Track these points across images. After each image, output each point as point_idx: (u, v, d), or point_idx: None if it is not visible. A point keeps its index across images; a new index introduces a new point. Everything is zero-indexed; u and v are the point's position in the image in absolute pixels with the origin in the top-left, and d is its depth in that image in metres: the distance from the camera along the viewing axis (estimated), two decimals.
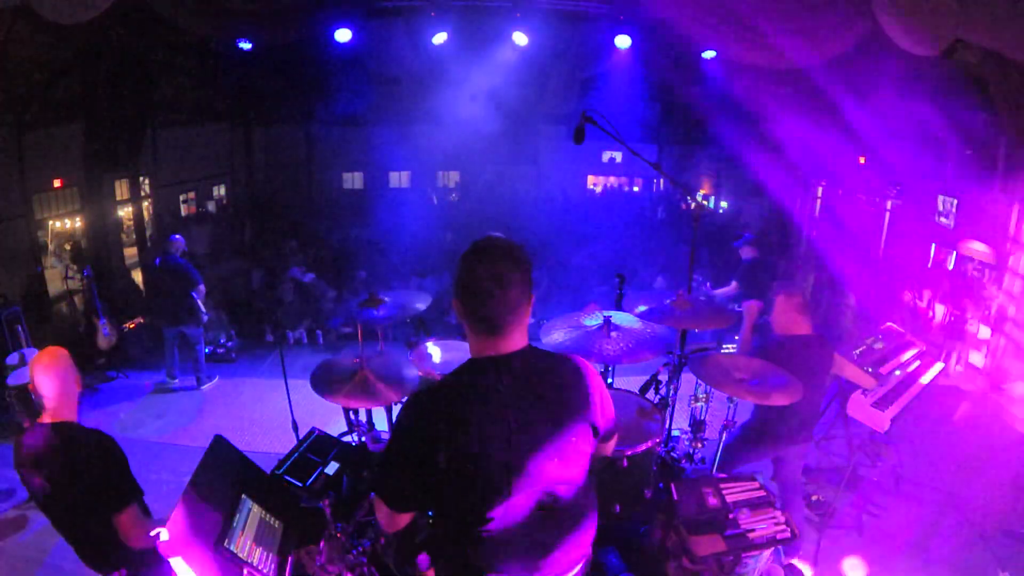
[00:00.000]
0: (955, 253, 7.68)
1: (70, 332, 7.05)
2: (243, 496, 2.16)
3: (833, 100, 6.81)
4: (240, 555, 1.94)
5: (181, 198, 10.83)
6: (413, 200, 13.24)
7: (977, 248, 6.61)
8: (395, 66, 8.51)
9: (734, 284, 6.37)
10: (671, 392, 3.33)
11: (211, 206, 11.69)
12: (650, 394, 3.30)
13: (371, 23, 7.02)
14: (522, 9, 6.83)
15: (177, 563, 1.72)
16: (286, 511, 2.31)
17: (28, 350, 5.44)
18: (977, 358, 6.66)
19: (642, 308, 3.05)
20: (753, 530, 2.33)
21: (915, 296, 7.51)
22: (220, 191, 11.98)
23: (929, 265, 7.77)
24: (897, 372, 4.12)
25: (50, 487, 2.20)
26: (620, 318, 2.89)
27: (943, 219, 8.05)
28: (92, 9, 4.58)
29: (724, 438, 3.14)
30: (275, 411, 5.09)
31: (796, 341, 3.22)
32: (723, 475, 2.89)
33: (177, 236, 6.05)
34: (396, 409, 2.90)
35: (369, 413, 3.29)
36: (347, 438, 3.14)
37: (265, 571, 1.99)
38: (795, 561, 3.29)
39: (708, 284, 6.84)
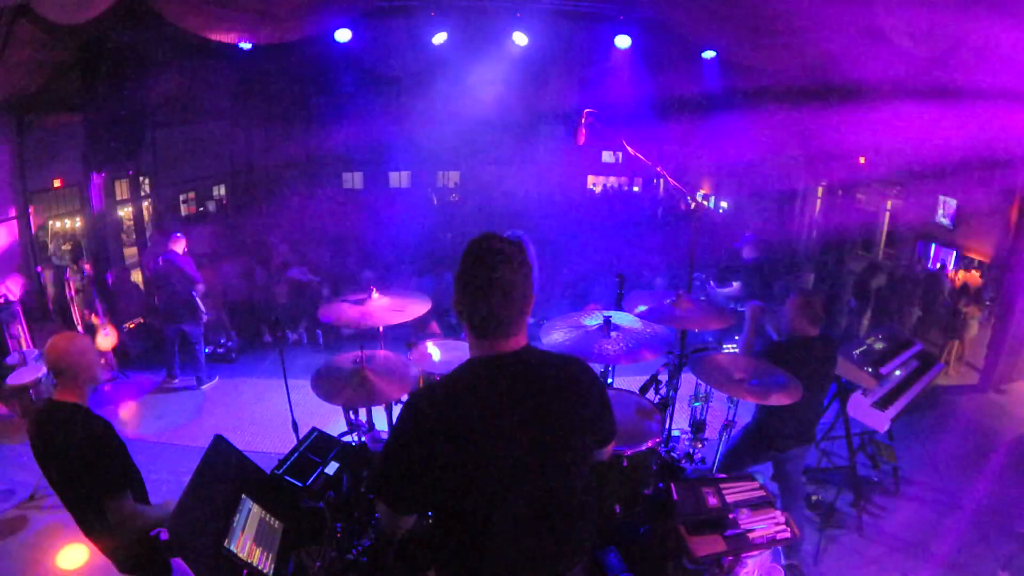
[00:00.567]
0: (955, 253, 7.69)
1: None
2: (243, 496, 2.16)
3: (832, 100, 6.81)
4: (240, 555, 1.94)
5: (181, 198, 10.83)
6: (413, 200, 13.24)
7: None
8: (395, 66, 8.50)
9: (736, 285, 6.37)
10: (671, 392, 3.33)
11: (211, 206, 11.69)
12: (650, 394, 3.30)
13: (371, 23, 7.02)
14: (522, 9, 6.84)
15: (177, 563, 1.72)
16: (286, 511, 2.31)
17: (28, 350, 5.45)
18: (977, 358, 6.66)
19: (642, 308, 3.05)
20: (753, 530, 2.33)
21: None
22: (220, 191, 11.98)
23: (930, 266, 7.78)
24: (897, 372, 4.12)
25: (46, 461, 2.27)
26: (620, 318, 2.89)
27: (943, 219, 8.06)
28: (92, 9, 4.58)
29: (725, 439, 3.14)
30: (275, 411, 5.09)
31: (804, 342, 3.28)
32: (723, 475, 2.89)
33: (178, 234, 6.05)
34: (396, 409, 2.90)
35: (369, 413, 3.29)
36: (347, 438, 3.13)
37: (265, 571, 1.99)
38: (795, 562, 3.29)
39: (711, 283, 6.85)
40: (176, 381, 6.14)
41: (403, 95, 10.23)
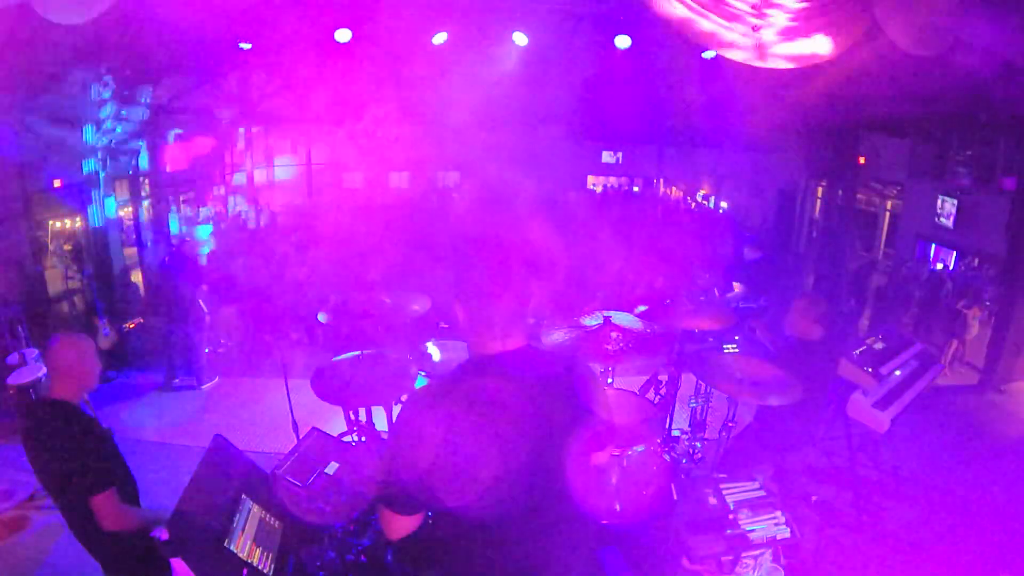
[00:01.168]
0: (955, 254, 7.69)
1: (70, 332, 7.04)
2: (243, 496, 2.16)
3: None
4: (240, 555, 1.94)
5: (181, 198, 10.83)
6: (413, 200, 13.24)
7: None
8: (395, 66, 8.49)
9: (738, 285, 6.39)
10: (671, 392, 3.33)
11: (211, 206, 11.69)
12: (650, 394, 3.30)
13: (371, 23, 7.01)
14: (522, 9, 6.83)
15: (177, 563, 1.72)
16: (286, 511, 2.31)
17: (28, 350, 5.44)
18: (977, 358, 6.66)
19: (642, 308, 3.06)
20: (753, 530, 2.33)
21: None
22: (221, 191, 11.98)
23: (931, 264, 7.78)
24: (897, 372, 4.12)
25: (34, 460, 2.27)
26: (620, 318, 2.89)
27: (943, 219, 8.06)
28: (92, 9, 4.58)
29: (725, 439, 3.14)
30: (275, 411, 5.09)
31: (808, 346, 3.30)
32: (723, 475, 2.89)
33: (188, 236, 6.14)
34: (396, 409, 2.90)
35: (369, 413, 3.29)
36: (347, 438, 3.14)
37: (265, 571, 1.99)
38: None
39: (716, 290, 6.87)
40: (177, 380, 6.15)
41: (403, 95, 10.22)
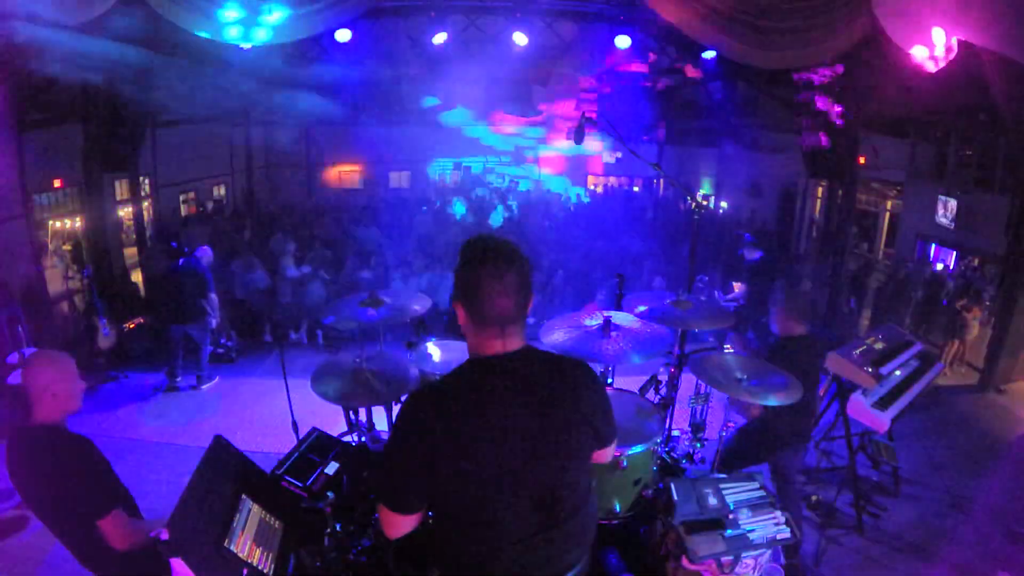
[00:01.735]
0: (955, 254, 7.69)
1: (70, 332, 7.05)
2: (243, 496, 2.16)
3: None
4: (240, 555, 1.94)
5: (181, 198, 10.84)
6: (413, 200, 13.26)
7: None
8: (395, 66, 8.51)
9: (739, 285, 6.39)
10: (671, 392, 3.33)
11: (211, 206, 11.71)
12: (650, 394, 3.30)
13: (371, 23, 7.02)
14: (522, 9, 6.84)
15: (177, 563, 1.72)
16: (286, 511, 2.31)
17: (28, 350, 5.44)
18: (977, 358, 6.66)
19: (642, 308, 3.05)
20: (753, 530, 2.33)
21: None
22: (220, 191, 11.99)
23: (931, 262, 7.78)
24: (897, 372, 4.12)
25: (28, 493, 2.18)
26: (620, 318, 2.89)
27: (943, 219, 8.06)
28: (92, 9, 4.58)
29: (723, 438, 3.15)
30: (275, 411, 5.08)
31: (794, 341, 3.33)
32: (723, 475, 2.89)
33: (205, 247, 6.26)
34: (396, 409, 2.90)
35: (369, 413, 3.29)
36: (347, 438, 3.14)
37: (265, 571, 1.99)
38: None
39: (718, 292, 6.87)
40: (179, 380, 6.15)
41: (403, 95, 10.24)
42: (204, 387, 6.17)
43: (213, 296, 6.08)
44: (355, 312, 3.11)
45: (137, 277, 8.72)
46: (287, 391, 3.46)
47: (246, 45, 5.68)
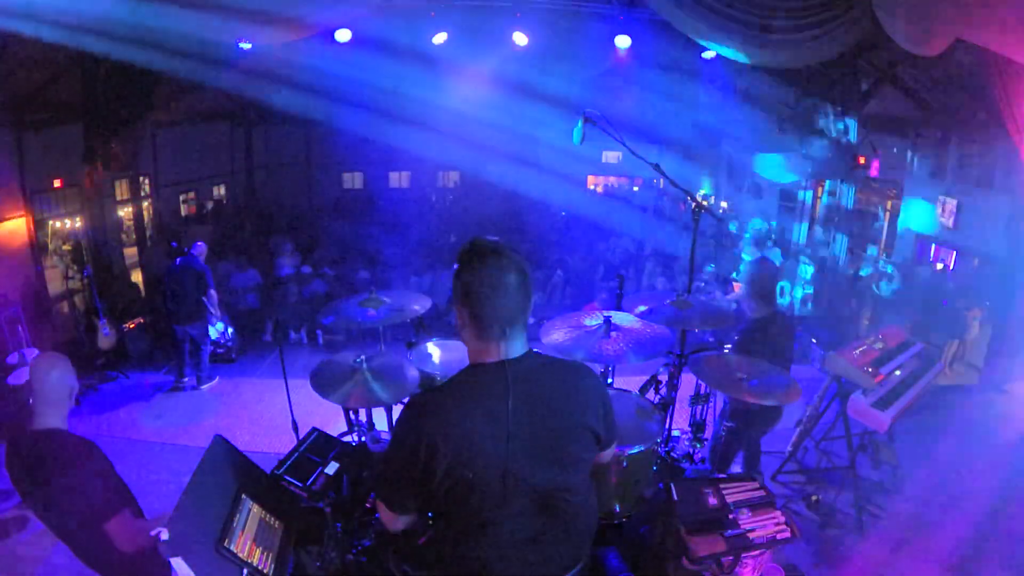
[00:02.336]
0: (955, 254, 7.68)
1: (70, 332, 7.05)
2: (243, 496, 2.16)
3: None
4: (240, 555, 1.94)
5: (181, 198, 10.83)
6: (413, 200, 13.25)
7: None
8: (395, 66, 8.49)
9: (738, 285, 6.39)
10: (671, 392, 3.33)
11: (211, 206, 11.70)
12: (650, 394, 3.30)
13: (371, 23, 7.01)
14: (522, 9, 6.83)
15: (177, 563, 1.72)
16: (286, 511, 2.31)
17: (28, 350, 5.45)
18: (977, 358, 6.65)
19: (642, 308, 3.05)
20: (753, 530, 2.33)
21: None
22: (220, 191, 11.98)
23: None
24: (897, 372, 4.12)
25: (36, 496, 2.19)
26: (620, 318, 2.88)
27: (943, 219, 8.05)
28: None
29: (711, 437, 3.23)
30: (275, 411, 5.10)
31: (762, 323, 3.48)
32: (723, 475, 2.89)
33: (201, 243, 6.27)
34: (396, 409, 2.90)
35: (369, 413, 3.29)
36: (347, 438, 3.13)
37: (265, 571, 1.99)
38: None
39: (718, 293, 6.87)
40: (186, 380, 6.17)
41: (403, 95, 10.22)
42: (204, 387, 6.17)
43: (213, 292, 6.08)
44: (355, 312, 3.11)
45: (137, 277, 8.71)
46: (287, 391, 3.46)
47: (246, 45, 5.68)
